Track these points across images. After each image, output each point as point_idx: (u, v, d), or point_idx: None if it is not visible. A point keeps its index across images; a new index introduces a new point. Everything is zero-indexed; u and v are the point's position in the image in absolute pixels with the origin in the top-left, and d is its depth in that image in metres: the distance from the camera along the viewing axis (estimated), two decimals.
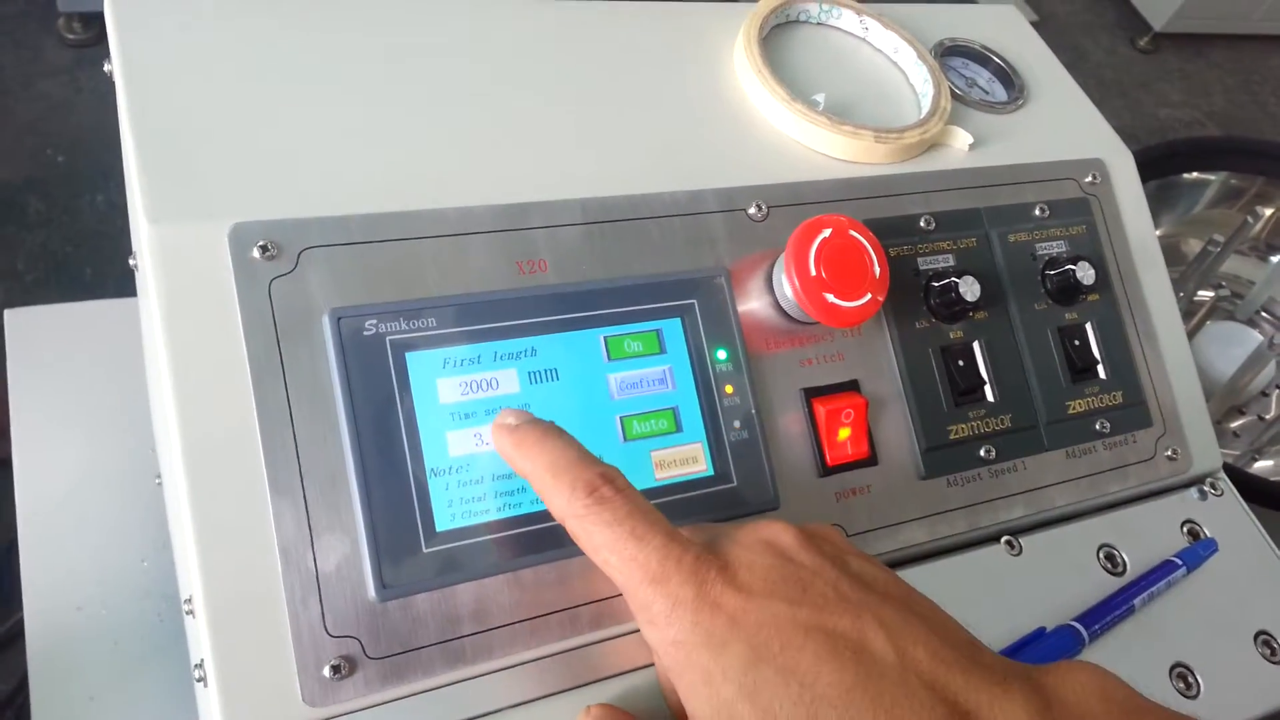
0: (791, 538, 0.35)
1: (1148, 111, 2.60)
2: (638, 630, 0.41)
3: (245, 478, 0.37)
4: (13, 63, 1.77)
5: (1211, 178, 1.24)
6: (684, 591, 0.32)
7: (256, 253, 0.39)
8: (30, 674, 0.60)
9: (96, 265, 1.58)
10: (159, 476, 0.68)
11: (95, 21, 1.82)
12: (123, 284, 1.52)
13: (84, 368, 0.73)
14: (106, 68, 0.44)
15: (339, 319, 0.39)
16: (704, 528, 0.38)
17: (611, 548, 0.34)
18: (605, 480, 0.35)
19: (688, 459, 0.43)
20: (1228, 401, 1.12)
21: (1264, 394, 1.14)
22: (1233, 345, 1.11)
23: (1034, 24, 0.68)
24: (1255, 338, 1.12)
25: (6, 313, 0.73)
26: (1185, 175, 1.23)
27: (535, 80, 0.50)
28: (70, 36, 1.81)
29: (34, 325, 0.74)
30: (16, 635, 0.92)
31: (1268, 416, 1.14)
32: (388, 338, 0.40)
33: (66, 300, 0.76)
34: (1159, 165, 1.18)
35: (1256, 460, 1.13)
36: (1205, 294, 1.21)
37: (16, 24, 1.83)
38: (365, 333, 0.39)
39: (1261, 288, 1.16)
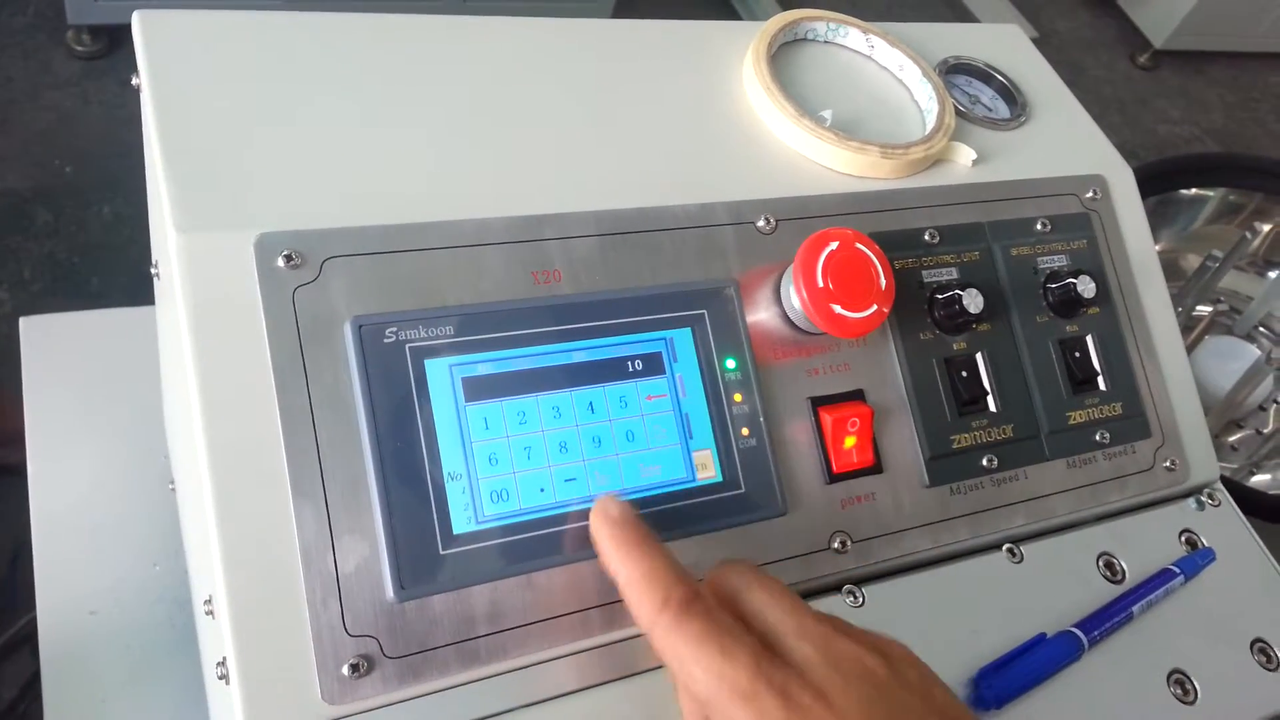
0: (885, 671, 0.36)
1: (1147, 128, 2.62)
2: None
3: (268, 481, 0.38)
4: (22, 74, 1.79)
5: (1210, 194, 1.25)
6: (774, 710, 0.33)
7: (281, 262, 0.40)
8: (43, 676, 0.60)
9: (103, 275, 1.59)
10: (172, 482, 0.69)
11: (104, 34, 1.83)
12: (129, 294, 1.54)
13: (98, 375, 0.74)
14: (135, 81, 0.45)
15: (360, 326, 0.40)
16: (784, 624, 0.37)
17: (699, 662, 0.34)
18: (695, 597, 0.36)
19: (697, 465, 0.44)
20: (1226, 415, 1.13)
21: (1261, 408, 1.15)
22: (1231, 360, 1.12)
23: (1035, 40, 0.69)
24: (1253, 352, 1.13)
25: (22, 320, 0.73)
26: (1184, 191, 1.24)
27: (550, 96, 0.51)
28: (79, 49, 1.82)
29: (48, 333, 0.75)
30: (21, 641, 0.92)
31: (1265, 430, 1.15)
32: (407, 345, 0.41)
33: (72, 310, 0.77)
34: (1159, 181, 1.19)
35: (1254, 474, 1.14)
36: (1204, 309, 1.22)
37: (26, 36, 1.85)
38: (386, 340, 0.40)
39: (1259, 303, 1.17)
